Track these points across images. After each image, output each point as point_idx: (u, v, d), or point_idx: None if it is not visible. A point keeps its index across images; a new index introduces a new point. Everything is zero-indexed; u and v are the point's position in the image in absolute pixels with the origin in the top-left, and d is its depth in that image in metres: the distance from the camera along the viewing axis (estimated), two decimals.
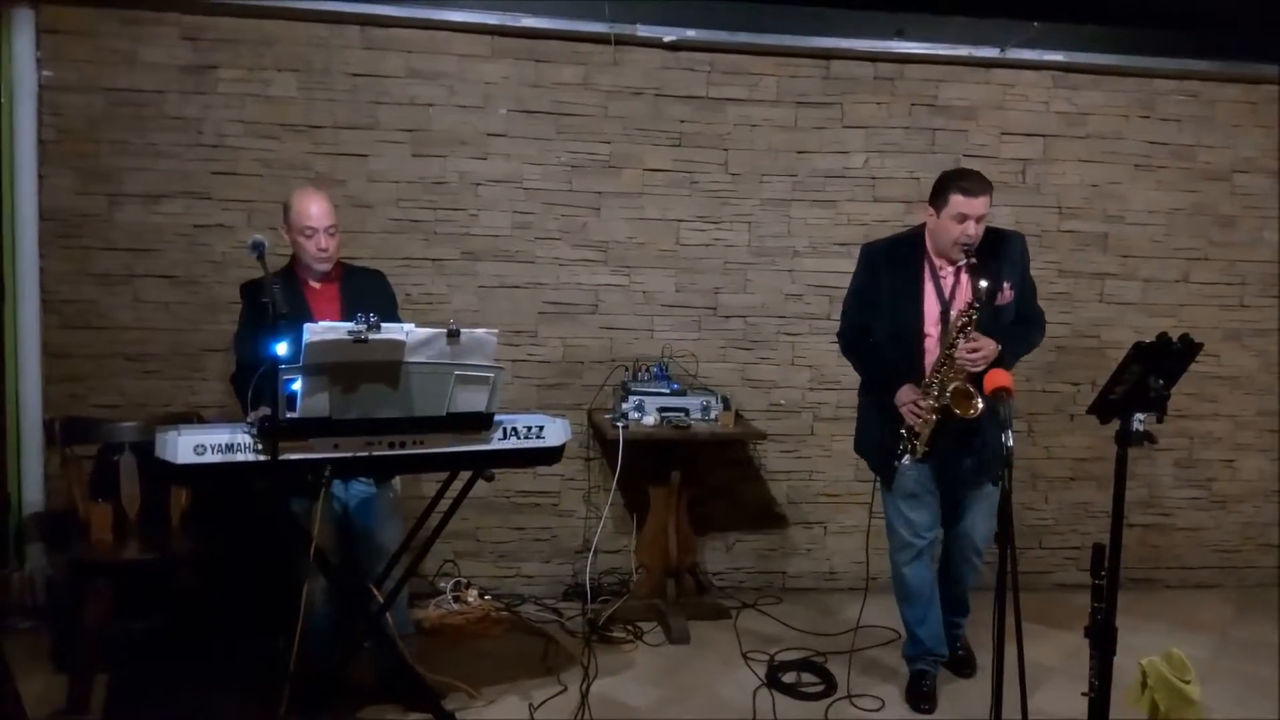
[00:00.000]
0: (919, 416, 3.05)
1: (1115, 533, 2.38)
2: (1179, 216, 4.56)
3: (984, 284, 2.92)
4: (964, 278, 3.06)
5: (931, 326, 3.12)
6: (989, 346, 2.96)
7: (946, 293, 3.11)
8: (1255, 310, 4.65)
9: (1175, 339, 2.30)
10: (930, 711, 3.26)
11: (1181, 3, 3.86)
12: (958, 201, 2.98)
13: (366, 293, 3.14)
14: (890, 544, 3.34)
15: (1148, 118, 4.50)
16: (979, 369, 2.93)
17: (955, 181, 3.02)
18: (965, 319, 2.96)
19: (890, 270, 3.18)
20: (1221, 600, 4.49)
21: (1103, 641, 2.36)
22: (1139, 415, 2.32)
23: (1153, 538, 4.67)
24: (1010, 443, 2.36)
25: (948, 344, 2.99)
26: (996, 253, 3.08)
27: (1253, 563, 4.73)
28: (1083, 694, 2.43)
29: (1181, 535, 4.70)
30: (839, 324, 3.40)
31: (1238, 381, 4.66)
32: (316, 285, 3.13)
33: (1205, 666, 3.61)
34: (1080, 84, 4.44)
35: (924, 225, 3.18)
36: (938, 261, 3.14)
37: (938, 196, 3.06)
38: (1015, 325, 3.15)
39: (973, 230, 2.98)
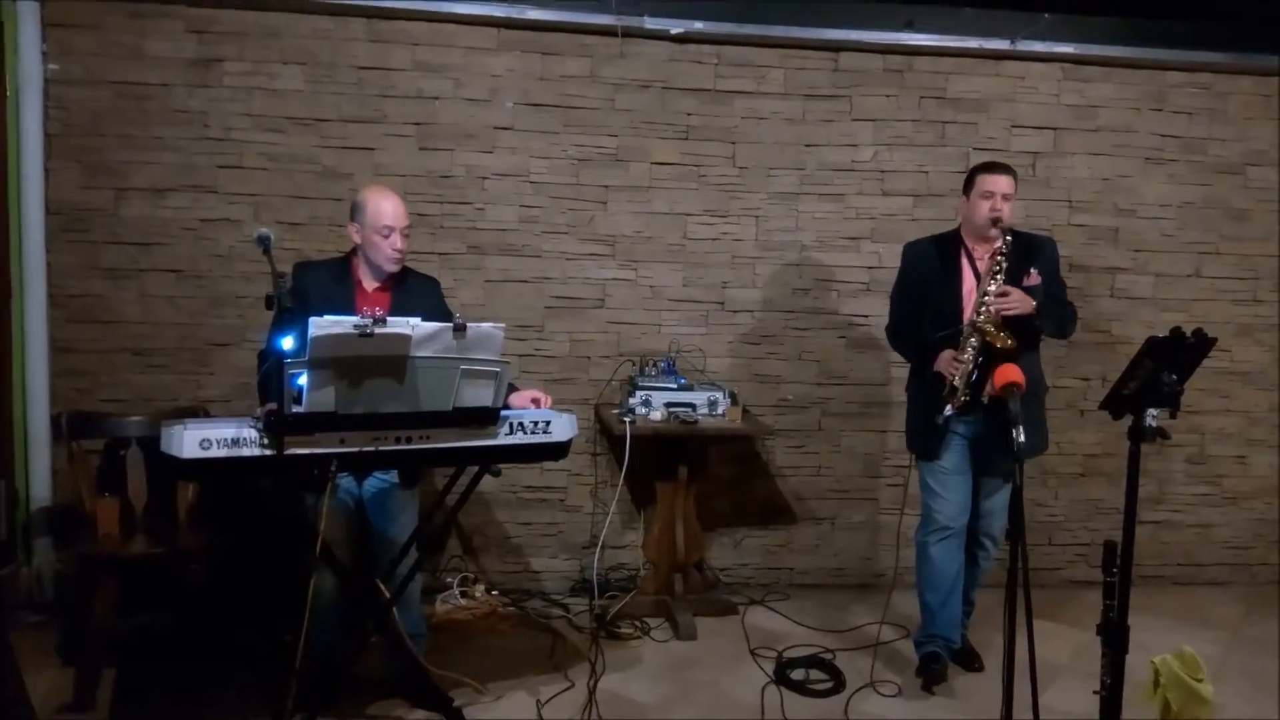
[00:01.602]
0: (956, 369, 3.18)
1: (1128, 529, 2.35)
2: (1190, 210, 4.53)
3: (1009, 237, 3.15)
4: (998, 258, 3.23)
5: (969, 302, 3.28)
6: (1018, 294, 3.13)
7: (981, 272, 3.28)
8: (1268, 305, 4.61)
9: (1189, 333, 2.27)
10: (940, 692, 3.29)
11: None
12: (982, 180, 3.26)
13: (420, 301, 3.01)
14: (921, 526, 3.41)
15: (1159, 110, 4.47)
16: (1010, 314, 3.11)
17: (980, 167, 3.34)
18: (995, 265, 3.16)
19: (931, 259, 3.40)
20: (1232, 598, 4.47)
21: (1115, 639, 2.33)
22: (1152, 411, 2.30)
23: (1163, 534, 4.64)
24: (1021, 438, 2.36)
25: (981, 292, 3.17)
26: (1027, 249, 3.27)
27: (1264, 560, 4.70)
28: (1094, 692, 2.41)
29: (1192, 532, 4.67)
30: (887, 317, 3.57)
31: (1250, 377, 4.63)
32: (370, 288, 3.05)
33: (1216, 664, 3.59)
34: (1091, 76, 4.41)
35: (959, 226, 3.39)
36: (972, 245, 3.34)
37: (967, 184, 3.34)
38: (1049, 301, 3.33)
39: (999, 204, 3.22)
